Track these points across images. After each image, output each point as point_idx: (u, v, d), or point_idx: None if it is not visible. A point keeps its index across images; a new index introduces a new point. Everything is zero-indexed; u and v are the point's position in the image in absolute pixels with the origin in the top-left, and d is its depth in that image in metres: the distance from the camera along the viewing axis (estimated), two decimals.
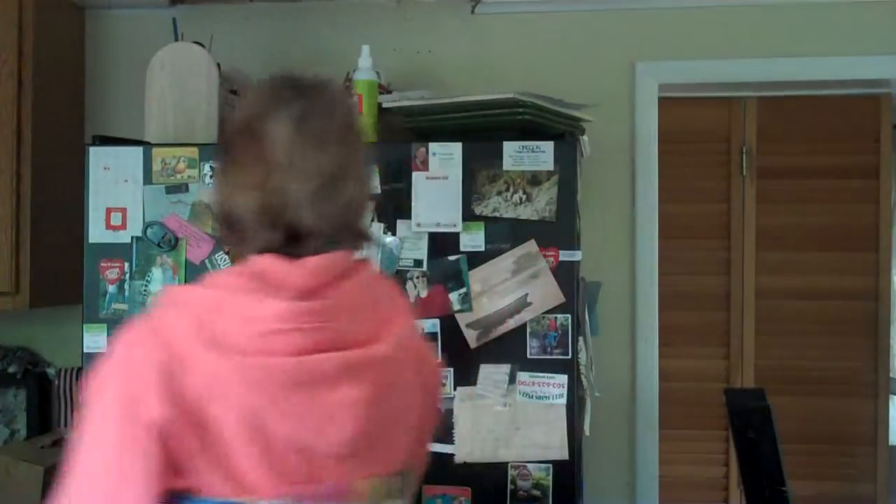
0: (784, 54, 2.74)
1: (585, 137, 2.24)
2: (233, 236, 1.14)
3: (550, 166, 2.03)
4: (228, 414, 1.02)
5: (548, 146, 2.04)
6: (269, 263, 1.08)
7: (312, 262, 1.08)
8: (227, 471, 1.02)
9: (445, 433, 2.01)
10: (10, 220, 2.42)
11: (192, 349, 1.03)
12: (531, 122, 2.07)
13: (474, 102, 2.10)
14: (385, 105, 2.23)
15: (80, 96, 2.80)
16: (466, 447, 2.03)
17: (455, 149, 2.06)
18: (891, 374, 3.19)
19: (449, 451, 2.02)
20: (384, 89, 2.33)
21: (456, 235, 2.05)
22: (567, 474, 2.01)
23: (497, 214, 2.05)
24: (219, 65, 2.32)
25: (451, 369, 2.02)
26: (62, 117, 2.66)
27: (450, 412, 2.02)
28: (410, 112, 2.20)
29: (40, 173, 2.49)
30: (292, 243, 1.10)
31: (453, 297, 2.04)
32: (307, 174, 1.08)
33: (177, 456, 1.02)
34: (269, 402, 1.02)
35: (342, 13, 2.79)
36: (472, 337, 2.04)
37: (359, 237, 1.17)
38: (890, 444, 3.16)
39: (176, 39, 2.39)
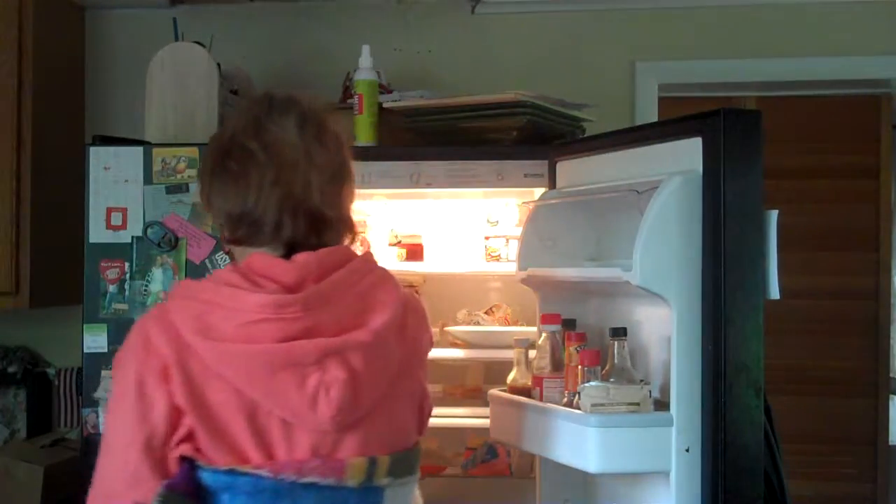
0: (784, 54, 2.74)
1: None
2: (244, 236, 1.24)
3: None
4: (223, 394, 1.14)
5: None
6: (257, 260, 1.19)
7: (301, 259, 1.19)
8: (226, 444, 1.14)
9: None
10: (10, 220, 2.42)
11: (192, 337, 1.14)
12: (532, 121, 2.07)
13: (475, 103, 2.11)
14: (385, 105, 2.23)
15: (80, 96, 2.79)
16: None
17: None
18: (891, 374, 3.19)
19: None
20: (384, 89, 2.33)
21: None
22: None
23: None
24: (219, 65, 2.32)
25: None
26: (62, 117, 2.66)
27: None
28: (411, 112, 2.20)
29: (40, 173, 2.49)
30: (315, 233, 1.22)
31: None
32: (321, 166, 1.22)
33: (185, 429, 1.14)
34: (256, 384, 1.13)
35: (342, 13, 2.79)
36: None
37: (352, 228, 1.29)
38: (890, 443, 3.16)
39: (176, 39, 2.39)
